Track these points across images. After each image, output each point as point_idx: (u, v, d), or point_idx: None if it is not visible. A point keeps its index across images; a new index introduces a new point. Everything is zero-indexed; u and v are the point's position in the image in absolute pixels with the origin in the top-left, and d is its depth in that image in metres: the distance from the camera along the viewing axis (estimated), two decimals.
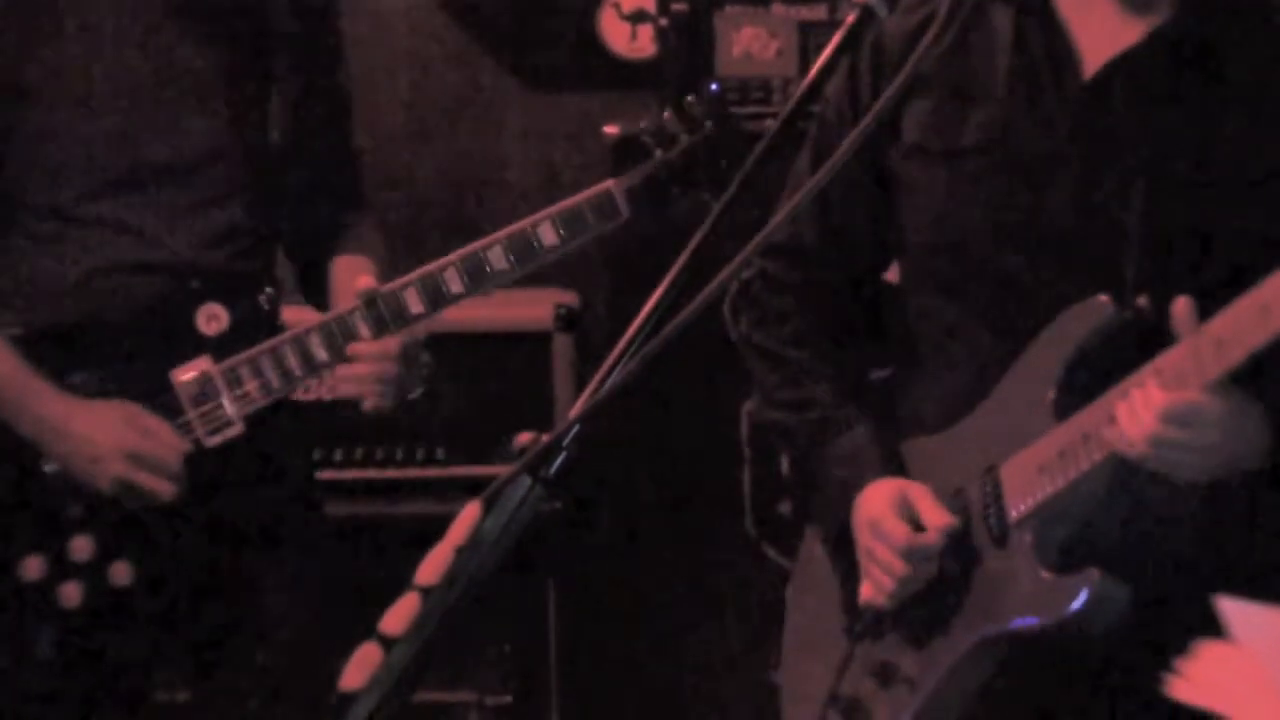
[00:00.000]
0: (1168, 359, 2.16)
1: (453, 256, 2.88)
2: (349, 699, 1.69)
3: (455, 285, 2.89)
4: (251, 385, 2.91)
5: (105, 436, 2.87)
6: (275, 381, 2.91)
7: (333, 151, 3.15)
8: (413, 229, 4.46)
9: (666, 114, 2.93)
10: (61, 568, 2.91)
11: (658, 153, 2.91)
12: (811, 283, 2.61)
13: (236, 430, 2.92)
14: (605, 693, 4.46)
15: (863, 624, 2.48)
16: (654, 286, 1.84)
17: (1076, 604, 2.24)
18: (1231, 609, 1.71)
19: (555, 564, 4.22)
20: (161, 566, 2.94)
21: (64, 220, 2.93)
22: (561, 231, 2.88)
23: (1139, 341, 2.24)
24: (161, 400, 2.92)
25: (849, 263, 2.61)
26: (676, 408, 4.33)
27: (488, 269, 2.88)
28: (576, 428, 1.75)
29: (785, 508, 4.06)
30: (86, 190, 2.93)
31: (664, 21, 4.02)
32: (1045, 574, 2.29)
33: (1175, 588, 2.31)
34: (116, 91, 2.93)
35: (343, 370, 2.90)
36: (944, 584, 2.41)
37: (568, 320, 4.17)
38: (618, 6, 4.40)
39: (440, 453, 4.18)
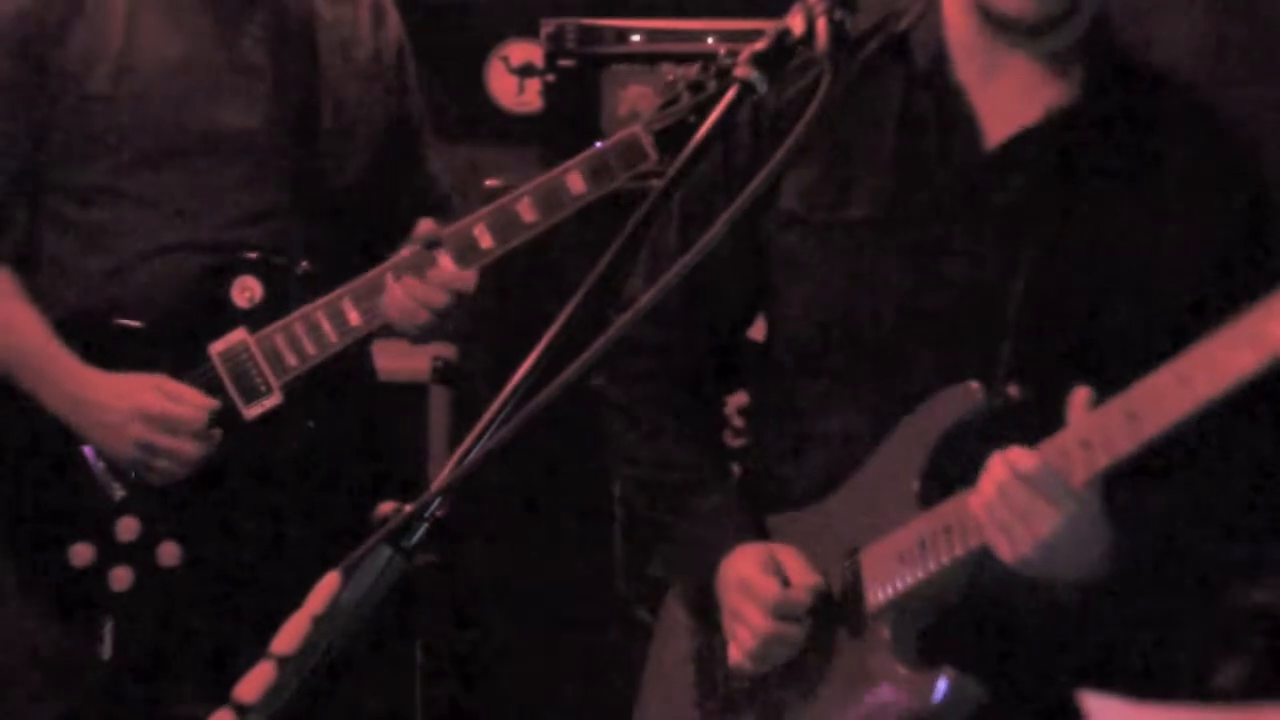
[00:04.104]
0: (1034, 455, 2.08)
1: (482, 212, 2.94)
2: None
3: (485, 240, 2.93)
4: (287, 353, 2.92)
5: (123, 402, 2.87)
6: (311, 348, 2.92)
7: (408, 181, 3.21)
8: None
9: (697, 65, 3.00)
10: (110, 551, 2.90)
11: (684, 96, 2.96)
12: (672, 344, 2.50)
13: (275, 400, 2.93)
14: None
15: (715, 700, 2.43)
16: (535, 344, 1.81)
17: (933, 700, 2.19)
18: (1095, 706, 1.70)
19: (424, 625, 4.18)
20: (209, 546, 2.94)
21: (99, 200, 2.91)
22: (589, 179, 2.94)
23: (1009, 430, 2.16)
24: (200, 374, 2.93)
25: (712, 324, 2.51)
26: (549, 463, 4.30)
27: (520, 221, 2.93)
28: (438, 500, 1.73)
29: (656, 569, 4.03)
30: (126, 161, 2.91)
31: (550, 77, 4.02)
32: (901, 669, 2.23)
33: (1032, 683, 2.27)
34: (160, 65, 2.93)
35: (399, 292, 2.91)
36: (801, 667, 2.34)
37: (444, 373, 4.14)
38: (506, 60, 4.41)
39: None
